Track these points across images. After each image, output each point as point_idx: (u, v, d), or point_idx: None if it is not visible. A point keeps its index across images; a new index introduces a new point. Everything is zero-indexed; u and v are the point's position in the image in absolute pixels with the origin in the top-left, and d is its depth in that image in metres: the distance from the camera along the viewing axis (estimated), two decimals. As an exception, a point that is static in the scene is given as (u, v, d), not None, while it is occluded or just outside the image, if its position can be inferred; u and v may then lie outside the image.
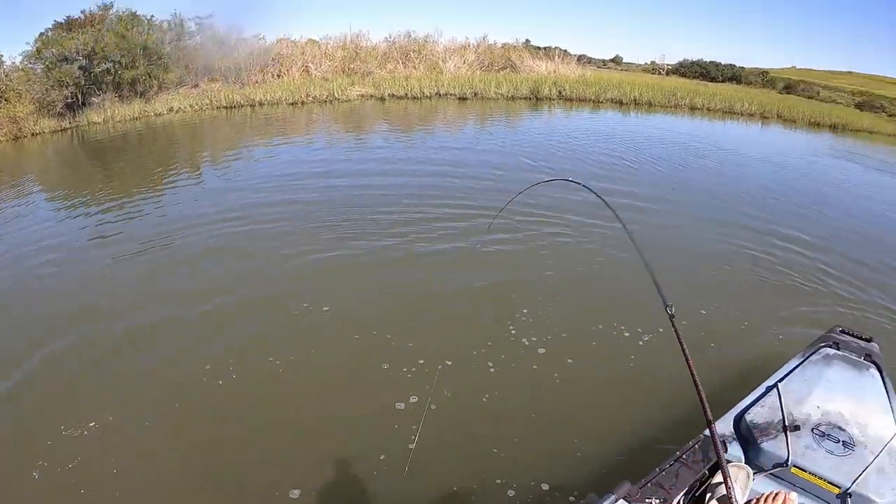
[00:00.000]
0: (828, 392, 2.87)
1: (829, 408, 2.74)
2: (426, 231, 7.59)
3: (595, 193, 3.35)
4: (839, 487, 2.36)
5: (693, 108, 27.48)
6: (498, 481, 3.51)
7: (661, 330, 5.12)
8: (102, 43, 19.36)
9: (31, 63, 19.42)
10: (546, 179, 4.63)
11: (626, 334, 5.22)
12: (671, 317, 2.30)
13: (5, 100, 19.49)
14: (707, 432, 2.55)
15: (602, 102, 25.06)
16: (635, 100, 26.06)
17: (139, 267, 6.61)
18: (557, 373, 4.60)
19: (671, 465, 2.44)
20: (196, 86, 22.96)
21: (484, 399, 4.24)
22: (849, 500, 2.33)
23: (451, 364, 4.61)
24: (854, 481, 2.35)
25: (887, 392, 3.05)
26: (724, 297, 6.13)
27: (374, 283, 6.10)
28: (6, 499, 3.37)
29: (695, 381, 2.02)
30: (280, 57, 23.00)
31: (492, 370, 4.61)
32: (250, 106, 20.17)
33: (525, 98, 22.99)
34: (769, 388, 2.99)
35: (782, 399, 2.81)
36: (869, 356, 3.37)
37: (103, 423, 3.95)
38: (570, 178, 3.81)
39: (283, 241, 7.19)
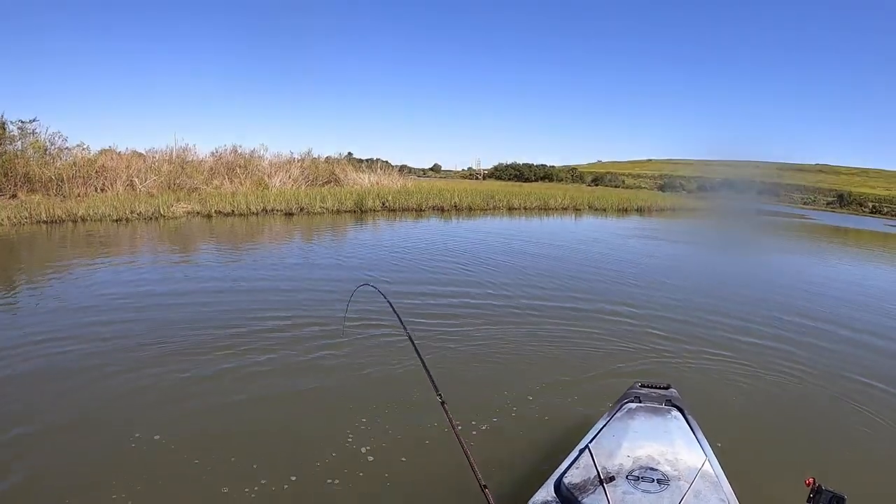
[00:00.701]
0: (636, 441, 3.08)
1: (640, 454, 2.94)
2: (256, 343, 7.57)
3: (384, 297, 3.82)
4: None
5: (511, 209, 30.75)
6: None
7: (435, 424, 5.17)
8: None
9: None
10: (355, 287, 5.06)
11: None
12: (442, 403, 2.59)
13: None
14: (532, 501, 2.79)
15: (424, 210, 27.12)
16: (455, 205, 28.47)
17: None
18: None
19: None
20: (14, 196, 22.11)
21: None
22: None
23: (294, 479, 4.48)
24: None
25: (691, 428, 3.36)
26: (526, 376, 6.55)
27: (200, 400, 5.87)
28: None
29: (466, 454, 2.18)
30: (104, 170, 22.96)
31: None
32: (72, 221, 19.75)
33: (350, 211, 24.44)
34: (581, 451, 3.11)
35: (594, 456, 2.94)
36: (669, 401, 3.69)
37: None
38: (370, 284, 4.27)
39: (100, 362, 6.72)
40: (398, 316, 3.71)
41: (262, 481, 4.32)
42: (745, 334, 8.74)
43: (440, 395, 2.71)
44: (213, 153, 26.24)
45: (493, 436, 5.12)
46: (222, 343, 7.60)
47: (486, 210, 29.70)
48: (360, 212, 24.87)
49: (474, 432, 5.12)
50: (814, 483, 2.59)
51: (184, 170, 23.94)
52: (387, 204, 26.08)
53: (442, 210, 28.11)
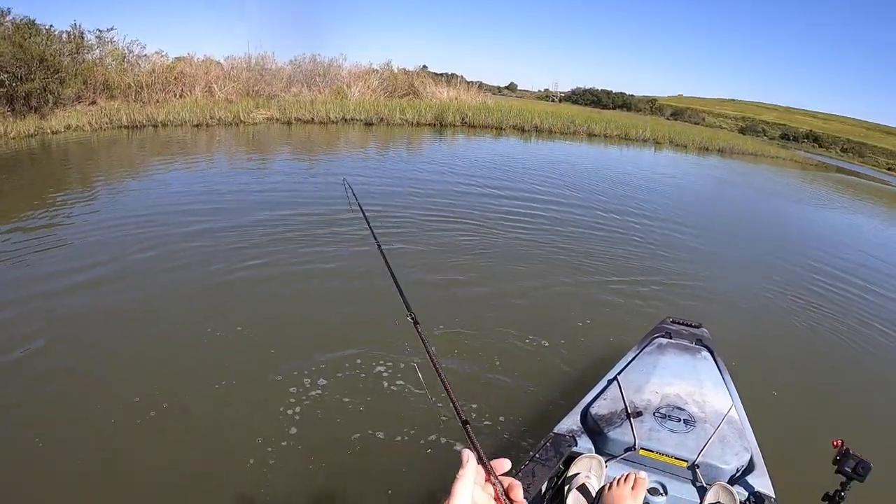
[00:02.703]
0: (664, 377, 3.07)
1: (668, 391, 2.93)
2: (329, 248, 7.81)
3: (360, 207, 3.18)
4: (686, 461, 2.52)
5: (591, 135, 29.22)
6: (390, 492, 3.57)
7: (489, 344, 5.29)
8: (-3, 51, 18.50)
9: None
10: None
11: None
12: (415, 323, 2.20)
13: None
14: (555, 430, 2.79)
15: (504, 129, 26.13)
16: (536, 127, 27.31)
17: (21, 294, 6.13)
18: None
19: (526, 466, 2.51)
20: (94, 103, 22.15)
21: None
22: (697, 470, 2.51)
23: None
24: (699, 453, 2.52)
25: (720, 370, 3.32)
26: (560, 298, 6.63)
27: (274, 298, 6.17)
28: None
29: (444, 383, 1.85)
30: (182, 76, 22.58)
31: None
32: (153, 126, 19.70)
33: (429, 124, 23.74)
34: (610, 381, 3.14)
35: (622, 389, 2.96)
36: (700, 340, 3.64)
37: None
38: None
39: (182, 263, 7.03)
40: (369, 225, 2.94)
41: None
42: (796, 288, 8.37)
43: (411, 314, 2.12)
44: (291, 61, 25.53)
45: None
46: (279, 240, 7.97)
47: (565, 134, 28.27)
48: (439, 125, 24.07)
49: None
50: (841, 445, 2.42)
51: (262, 77, 23.40)
52: (466, 120, 25.08)
53: (522, 130, 26.94)
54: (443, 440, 3.96)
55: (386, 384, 4.58)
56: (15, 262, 7.10)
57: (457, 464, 0.88)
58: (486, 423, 4.20)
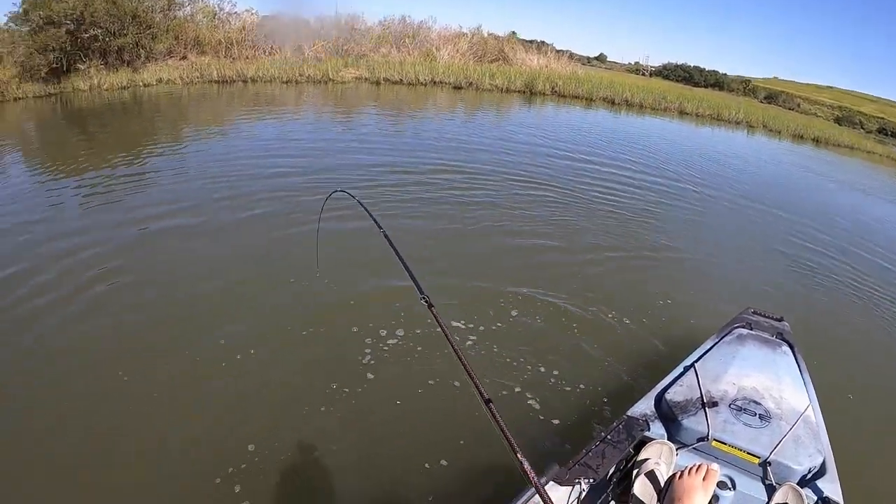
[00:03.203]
0: (743, 369, 2.97)
1: (745, 384, 2.84)
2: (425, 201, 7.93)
3: (359, 202, 3.34)
4: (758, 457, 2.44)
5: (682, 112, 27.78)
6: (442, 463, 3.49)
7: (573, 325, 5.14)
8: (92, 8, 18.81)
9: (16, 24, 18.79)
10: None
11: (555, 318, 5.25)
12: (430, 306, 2.24)
13: None
14: (629, 412, 2.72)
15: (595, 101, 25.14)
16: (627, 100, 26.19)
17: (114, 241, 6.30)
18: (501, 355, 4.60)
19: (597, 446, 2.49)
20: (184, 58, 22.43)
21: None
22: (768, 468, 2.42)
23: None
24: (772, 451, 2.42)
25: (799, 367, 3.20)
26: (639, 282, 6.28)
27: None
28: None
29: (464, 365, 1.93)
30: (272, 34, 22.53)
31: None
32: (242, 82, 19.74)
33: (519, 91, 22.98)
34: (686, 368, 3.07)
35: (699, 377, 2.88)
36: (781, 334, 3.51)
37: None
38: (341, 189, 3.75)
39: (264, 211, 7.27)
40: (374, 219, 3.11)
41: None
42: (885, 292, 7.49)
43: (424, 297, 2.27)
44: (381, 22, 25.12)
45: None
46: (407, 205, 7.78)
47: (656, 110, 26.87)
48: (529, 93, 23.27)
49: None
50: None
51: (352, 36, 23.05)
52: (556, 89, 24.09)
53: (612, 103, 25.76)
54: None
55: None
56: (107, 202, 7.46)
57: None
58: (563, 388, 4.20)
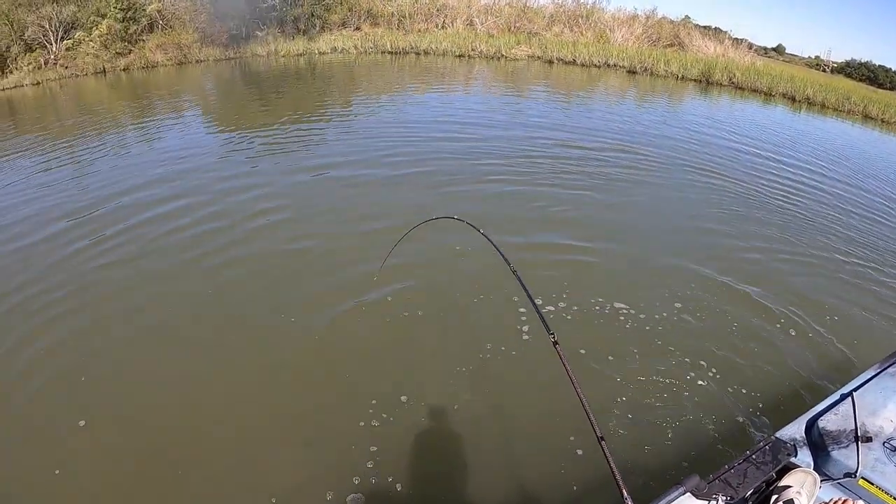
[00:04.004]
0: None
1: None
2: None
3: (480, 232, 3.32)
4: None
5: (866, 117, 25.26)
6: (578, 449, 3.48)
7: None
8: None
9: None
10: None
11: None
12: (554, 343, 2.30)
13: (171, 27, 20.41)
14: (778, 434, 2.56)
15: (774, 96, 23.34)
16: (808, 98, 24.08)
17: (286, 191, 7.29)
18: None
19: (739, 464, 2.38)
20: (358, 28, 23.14)
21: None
22: None
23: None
24: None
25: None
26: (811, 298, 5.71)
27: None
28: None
29: (582, 403, 1.97)
30: (445, 7, 22.70)
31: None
32: (415, 54, 20.11)
33: (695, 80, 21.67)
34: (843, 396, 2.80)
35: (856, 408, 2.62)
36: None
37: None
38: (455, 216, 3.79)
39: (422, 170, 7.80)
40: (500, 252, 3.11)
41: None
42: None
43: (552, 334, 2.34)
44: (553, 0, 24.67)
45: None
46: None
47: (839, 111, 24.50)
48: (705, 82, 21.82)
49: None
50: None
51: (524, 13, 22.70)
52: (734, 80, 22.45)
53: (793, 99, 23.73)
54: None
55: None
56: (278, 153, 8.63)
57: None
58: (710, 384, 4.10)
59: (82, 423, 3.57)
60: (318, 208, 6.54)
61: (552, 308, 4.79)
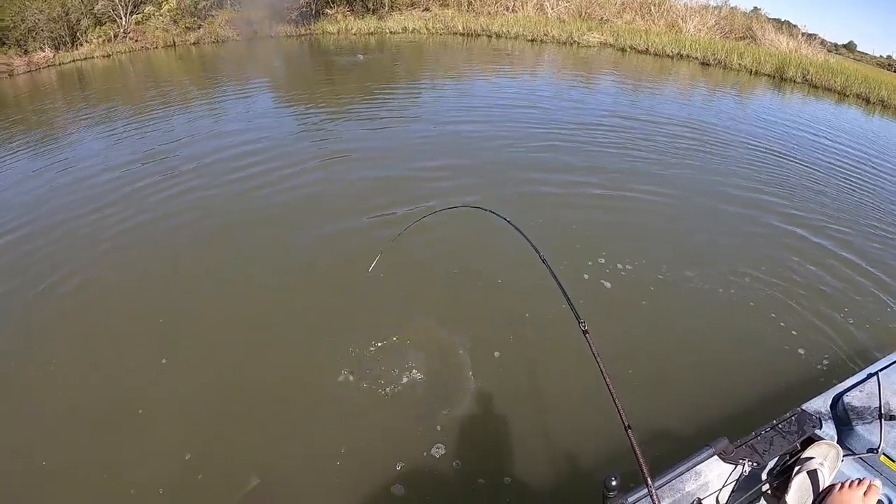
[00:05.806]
0: None
1: None
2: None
3: (507, 221, 3.45)
4: None
5: (942, 123, 24.33)
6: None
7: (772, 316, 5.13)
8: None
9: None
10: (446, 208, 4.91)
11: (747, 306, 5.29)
12: (584, 332, 2.32)
13: (240, 3, 20.76)
14: (804, 406, 2.66)
15: (848, 96, 22.61)
16: (882, 101, 23.26)
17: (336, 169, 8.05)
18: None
19: (766, 432, 2.46)
20: (427, 9, 23.19)
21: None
22: None
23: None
24: None
25: None
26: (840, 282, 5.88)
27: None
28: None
29: (611, 392, 2.01)
30: (514, -9, 22.61)
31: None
32: (487, 36, 20.13)
33: (767, 75, 21.17)
34: (870, 375, 2.83)
35: (881, 387, 2.65)
36: None
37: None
38: (484, 207, 3.89)
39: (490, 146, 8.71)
40: (531, 243, 3.13)
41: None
42: None
43: (582, 323, 2.35)
44: (625, -13, 24.17)
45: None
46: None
47: (909, 114, 23.69)
48: (777, 78, 21.29)
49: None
50: None
51: (596, 0, 22.31)
52: (808, 77, 21.83)
53: (867, 101, 22.96)
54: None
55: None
56: (343, 120, 9.73)
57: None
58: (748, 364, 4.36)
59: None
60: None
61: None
